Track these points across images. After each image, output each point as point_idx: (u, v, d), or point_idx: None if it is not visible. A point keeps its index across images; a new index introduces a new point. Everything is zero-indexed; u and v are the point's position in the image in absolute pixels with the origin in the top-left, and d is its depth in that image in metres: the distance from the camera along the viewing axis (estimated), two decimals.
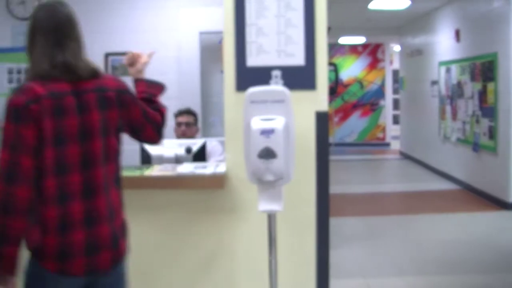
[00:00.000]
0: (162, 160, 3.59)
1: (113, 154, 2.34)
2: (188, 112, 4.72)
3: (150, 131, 2.50)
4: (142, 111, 2.44)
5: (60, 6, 2.33)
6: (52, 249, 2.17)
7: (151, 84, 2.67)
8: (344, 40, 14.35)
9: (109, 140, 2.31)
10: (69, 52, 2.26)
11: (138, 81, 2.67)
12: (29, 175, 2.10)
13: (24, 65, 6.54)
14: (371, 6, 9.39)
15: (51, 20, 2.28)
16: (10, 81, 6.68)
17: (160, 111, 2.57)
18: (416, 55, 11.94)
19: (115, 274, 2.35)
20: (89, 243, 2.22)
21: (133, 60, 2.71)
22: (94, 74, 2.30)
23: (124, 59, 2.72)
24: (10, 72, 6.68)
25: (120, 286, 2.41)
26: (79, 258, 2.20)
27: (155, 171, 3.18)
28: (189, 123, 4.64)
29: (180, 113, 4.69)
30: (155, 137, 2.54)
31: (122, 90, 2.37)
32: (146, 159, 3.69)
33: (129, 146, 2.83)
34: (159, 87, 2.68)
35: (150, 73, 6.51)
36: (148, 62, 2.72)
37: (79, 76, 2.24)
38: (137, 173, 3.12)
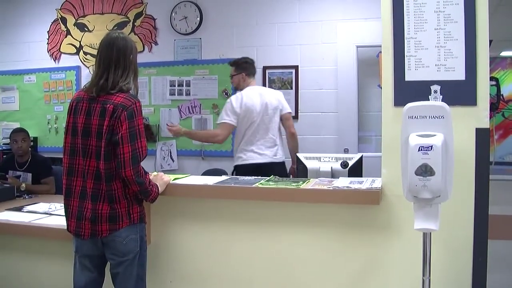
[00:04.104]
0: (318, 173, 3.61)
1: (93, 152, 2.93)
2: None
3: (121, 159, 2.89)
4: (127, 133, 2.89)
5: (118, 40, 3.04)
6: None
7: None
8: (507, 53, 13.68)
9: (94, 141, 2.92)
10: (112, 77, 2.97)
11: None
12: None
13: (185, 78, 6.82)
14: None
15: (108, 50, 3.02)
16: (172, 93, 6.95)
17: (147, 193, 3.06)
18: None
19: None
20: (65, 210, 3.06)
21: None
22: (108, 91, 2.96)
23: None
24: (172, 84, 6.93)
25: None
26: (70, 220, 3.04)
27: (311, 184, 3.21)
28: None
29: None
30: (119, 170, 2.92)
31: (122, 105, 2.90)
32: (303, 172, 3.74)
33: None
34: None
35: (309, 86, 6.62)
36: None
37: (97, 92, 2.96)
38: (293, 186, 3.17)
